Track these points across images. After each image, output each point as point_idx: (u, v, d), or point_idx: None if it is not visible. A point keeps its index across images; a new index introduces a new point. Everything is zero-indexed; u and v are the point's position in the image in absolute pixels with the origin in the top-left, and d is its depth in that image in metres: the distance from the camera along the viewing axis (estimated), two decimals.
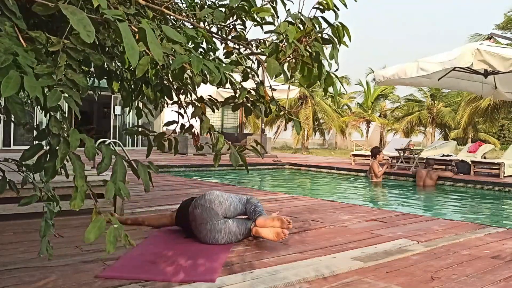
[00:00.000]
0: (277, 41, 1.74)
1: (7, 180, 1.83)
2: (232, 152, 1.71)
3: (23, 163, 1.86)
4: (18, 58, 1.10)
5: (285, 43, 1.67)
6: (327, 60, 1.73)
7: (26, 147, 1.37)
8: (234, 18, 1.95)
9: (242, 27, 1.99)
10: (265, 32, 1.85)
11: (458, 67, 9.05)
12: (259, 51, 1.87)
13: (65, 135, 1.24)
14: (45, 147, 1.34)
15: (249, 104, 1.97)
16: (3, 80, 1.05)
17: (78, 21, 1.13)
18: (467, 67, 8.84)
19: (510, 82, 9.69)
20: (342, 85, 1.92)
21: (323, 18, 1.70)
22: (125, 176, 1.35)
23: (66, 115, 1.30)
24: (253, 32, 1.97)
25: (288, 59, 1.72)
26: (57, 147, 1.22)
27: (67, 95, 1.23)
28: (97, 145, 1.31)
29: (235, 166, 1.73)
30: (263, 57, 1.82)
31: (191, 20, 1.91)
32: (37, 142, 1.37)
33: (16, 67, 1.09)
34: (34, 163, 1.33)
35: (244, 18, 1.94)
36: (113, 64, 1.87)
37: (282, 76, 1.73)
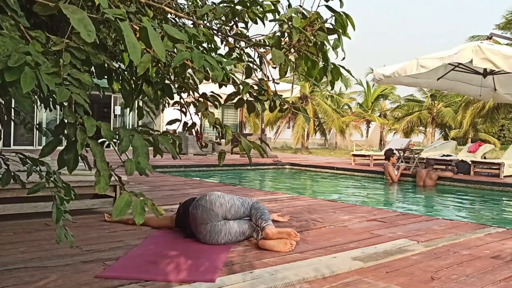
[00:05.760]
0: (279, 34, 1.74)
1: (12, 173, 1.84)
2: (243, 141, 1.72)
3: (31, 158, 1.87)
4: (28, 57, 1.11)
5: (287, 38, 1.68)
6: (333, 49, 1.73)
7: (26, 147, 1.38)
8: (234, 17, 1.95)
9: (244, 25, 1.99)
10: (270, 21, 1.86)
11: (457, 67, 9.06)
12: (262, 45, 1.88)
13: (80, 122, 1.25)
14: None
15: (252, 99, 1.97)
16: (21, 76, 1.07)
17: (78, 21, 1.13)
18: (467, 67, 8.84)
19: (510, 83, 9.67)
20: (351, 74, 1.90)
21: (327, 6, 1.70)
22: (147, 152, 1.34)
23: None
24: (255, 30, 1.97)
25: (291, 52, 1.73)
26: (75, 136, 1.23)
27: (74, 93, 1.24)
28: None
29: (249, 151, 1.73)
30: (266, 53, 1.82)
31: (192, 18, 1.91)
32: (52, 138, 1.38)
33: (25, 65, 1.10)
34: (57, 159, 1.34)
35: (243, 18, 1.94)
36: (114, 63, 1.87)
37: (286, 75, 1.74)
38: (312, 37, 1.67)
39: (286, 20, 1.70)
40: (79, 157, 1.30)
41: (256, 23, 1.96)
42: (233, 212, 3.14)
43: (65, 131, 1.29)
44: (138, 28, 1.34)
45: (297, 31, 1.62)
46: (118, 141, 1.34)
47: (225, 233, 3.08)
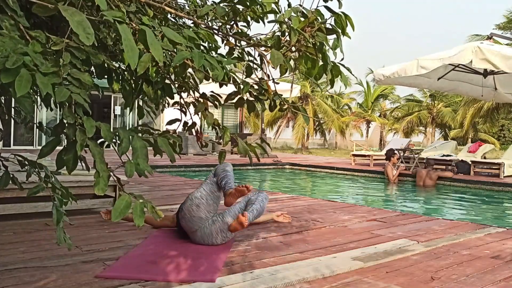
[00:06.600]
0: (279, 34, 1.74)
1: (11, 175, 1.84)
2: (240, 143, 1.72)
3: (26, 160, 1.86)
4: (26, 57, 1.11)
5: (288, 37, 1.68)
6: (332, 49, 1.73)
7: (26, 147, 1.38)
8: (235, 16, 1.95)
9: (245, 24, 1.99)
10: (269, 22, 1.85)
11: (458, 68, 9.05)
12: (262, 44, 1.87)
13: (80, 123, 1.25)
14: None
15: (252, 99, 1.97)
16: (16, 79, 1.06)
17: (77, 23, 1.13)
18: (467, 67, 8.83)
19: (510, 82, 9.67)
20: (351, 72, 1.89)
21: (326, 7, 1.70)
22: (147, 154, 1.34)
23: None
24: (255, 30, 1.97)
25: (291, 51, 1.73)
26: (75, 137, 1.23)
27: (74, 92, 1.23)
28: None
29: (245, 155, 1.73)
30: (266, 52, 1.82)
31: (192, 17, 1.91)
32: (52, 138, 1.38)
33: (23, 66, 1.10)
34: (55, 159, 1.34)
35: (245, 16, 1.94)
36: (114, 62, 1.87)
37: (286, 74, 1.74)
38: (311, 38, 1.67)
39: (285, 21, 1.69)
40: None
41: (257, 21, 1.96)
42: (211, 202, 3.05)
43: (65, 131, 1.29)
44: (137, 30, 1.34)
45: (296, 33, 1.62)
46: (118, 142, 1.33)
47: (217, 232, 3.01)
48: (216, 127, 1.90)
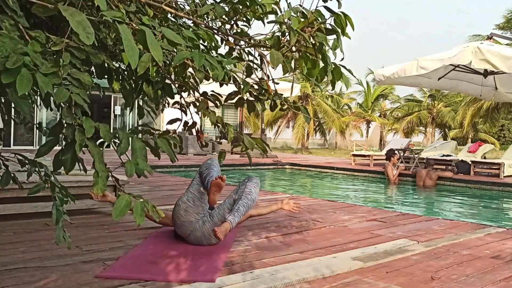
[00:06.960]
0: (279, 34, 1.74)
1: (12, 174, 1.84)
2: (245, 138, 1.72)
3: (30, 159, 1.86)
4: (26, 58, 1.11)
5: (288, 37, 1.68)
6: (332, 50, 1.72)
7: (26, 147, 1.38)
8: (236, 15, 1.95)
9: (245, 23, 1.99)
10: (268, 22, 1.85)
11: (458, 67, 9.05)
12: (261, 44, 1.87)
13: (79, 123, 1.25)
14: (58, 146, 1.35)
15: (252, 99, 1.97)
16: (17, 78, 1.06)
17: (77, 23, 1.14)
18: (467, 67, 8.83)
19: (510, 82, 9.67)
20: (352, 74, 1.88)
21: (326, 7, 1.69)
22: (145, 154, 1.34)
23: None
24: (254, 30, 1.97)
25: (291, 51, 1.72)
26: (74, 137, 1.23)
27: (73, 93, 1.23)
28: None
29: (251, 149, 1.73)
30: (266, 52, 1.82)
31: (192, 17, 1.91)
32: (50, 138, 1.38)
33: (23, 66, 1.10)
34: (52, 160, 1.34)
35: (245, 15, 1.94)
36: (114, 62, 1.87)
37: (287, 74, 1.74)
38: (310, 39, 1.67)
39: (284, 21, 1.69)
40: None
41: (258, 20, 1.96)
42: (198, 203, 2.99)
43: (64, 131, 1.29)
44: (137, 30, 1.34)
45: (295, 33, 1.62)
46: (118, 142, 1.33)
47: (209, 234, 2.97)
48: (220, 125, 1.90)
